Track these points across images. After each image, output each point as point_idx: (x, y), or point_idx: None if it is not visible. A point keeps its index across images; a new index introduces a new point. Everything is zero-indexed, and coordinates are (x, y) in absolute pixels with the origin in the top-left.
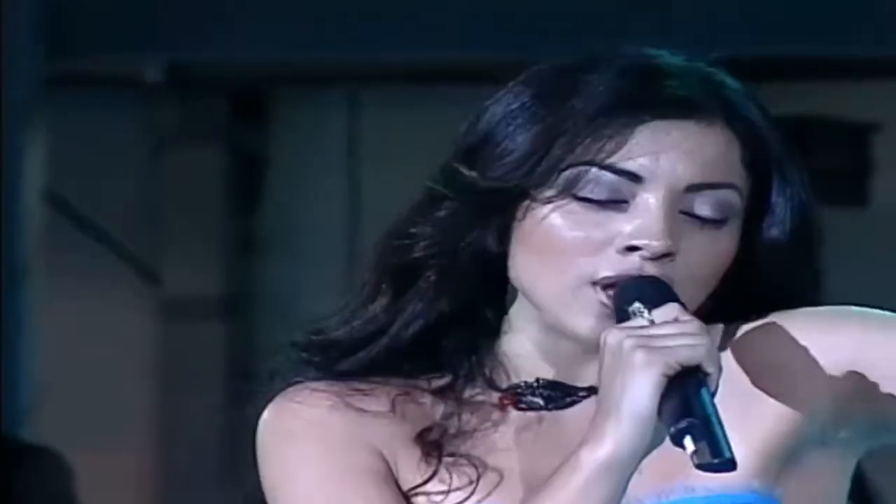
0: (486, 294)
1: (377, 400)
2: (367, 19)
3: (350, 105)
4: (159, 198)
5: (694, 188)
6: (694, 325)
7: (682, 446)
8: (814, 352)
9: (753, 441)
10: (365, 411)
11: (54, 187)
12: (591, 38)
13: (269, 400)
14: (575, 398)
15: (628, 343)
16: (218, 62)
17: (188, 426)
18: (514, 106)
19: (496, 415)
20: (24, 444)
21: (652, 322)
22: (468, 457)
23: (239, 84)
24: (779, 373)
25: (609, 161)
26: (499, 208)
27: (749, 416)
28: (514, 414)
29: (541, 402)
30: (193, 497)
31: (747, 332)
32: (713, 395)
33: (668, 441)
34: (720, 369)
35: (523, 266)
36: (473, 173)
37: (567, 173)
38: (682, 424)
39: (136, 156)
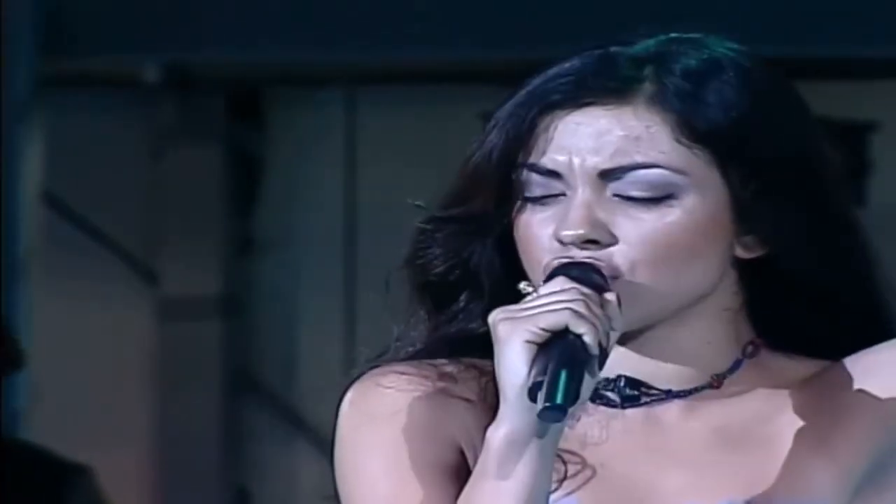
0: None
1: (466, 385)
2: (364, 19)
3: (347, 105)
4: (157, 197)
5: (605, 174)
6: (569, 293)
7: (536, 402)
8: None
9: (834, 464)
10: (452, 396)
11: (52, 187)
12: (587, 38)
13: (353, 381)
14: (650, 398)
15: (496, 319)
16: (215, 62)
17: (185, 425)
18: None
19: (582, 405)
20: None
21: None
22: (558, 450)
23: (236, 84)
24: (864, 400)
25: (532, 161)
26: (482, 224)
27: (830, 440)
28: (601, 409)
29: (617, 399)
30: (190, 495)
31: (845, 363)
32: (594, 355)
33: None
34: (601, 331)
35: (525, 269)
36: (438, 210)
37: (516, 178)
38: (537, 380)
39: (134, 155)
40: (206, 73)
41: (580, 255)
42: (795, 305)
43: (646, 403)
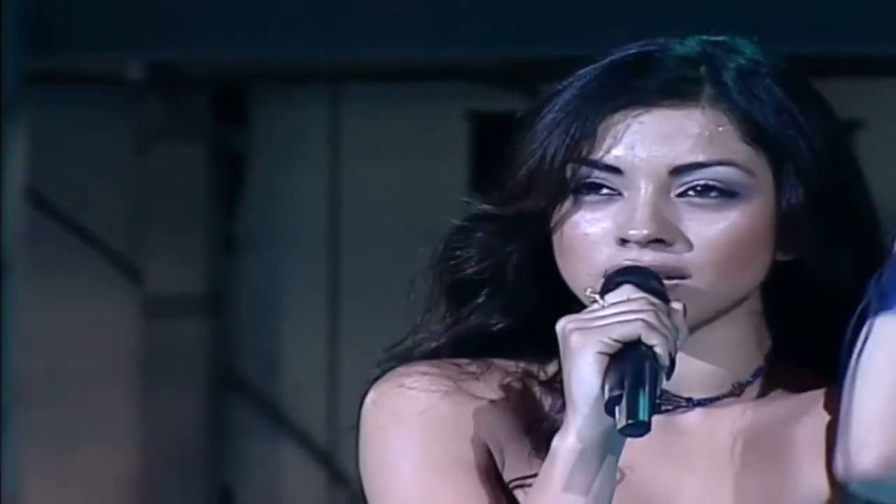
0: (573, 298)
1: (489, 385)
2: (348, 17)
3: (331, 102)
4: (141, 195)
5: (679, 170)
6: (639, 302)
7: (614, 416)
8: None
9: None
10: (476, 397)
11: (36, 185)
12: (574, 38)
13: (375, 379)
14: (672, 406)
15: (567, 328)
16: (200, 61)
17: (169, 422)
18: (522, 127)
19: None
20: None
21: (603, 306)
22: None
23: (221, 82)
24: None
25: (592, 157)
26: (522, 225)
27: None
28: None
29: None
30: (175, 492)
31: None
32: (665, 366)
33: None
34: (671, 342)
35: (560, 269)
36: (489, 206)
37: (565, 175)
38: (614, 394)
39: (118, 153)
40: (190, 72)
41: (643, 255)
42: (812, 311)
43: (667, 411)
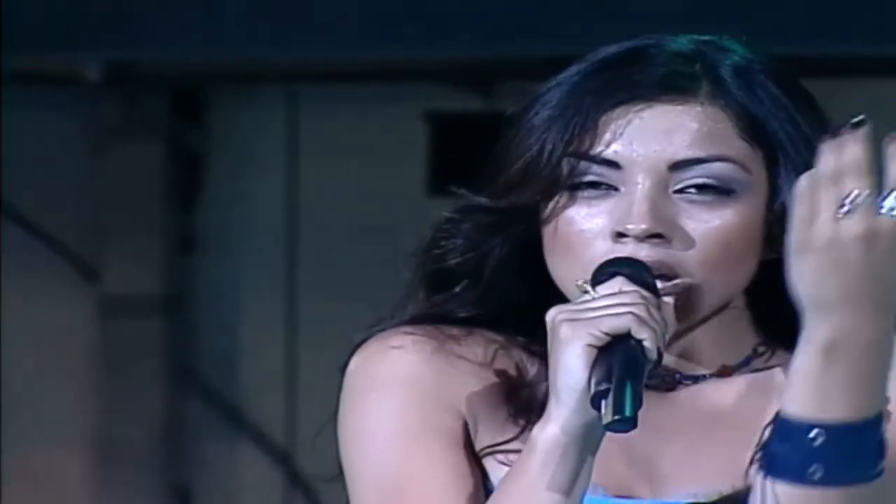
0: (556, 293)
1: (473, 349)
2: (307, 17)
3: (288, 103)
4: (99, 195)
5: (678, 165)
6: (630, 295)
7: (600, 411)
8: None
9: None
10: (459, 359)
11: None
12: (532, 39)
13: (359, 344)
14: (656, 379)
15: (557, 318)
16: (158, 61)
17: (127, 423)
18: (517, 121)
19: None
20: None
21: (594, 297)
22: None
23: (179, 83)
24: None
25: (591, 152)
26: (514, 219)
27: None
28: None
29: None
30: (132, 493)
31: None
32: (652, 360)
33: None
34: (659, 336)
35: (549, 264)
36: (483, 198)
37: (562, 170)
38: (600, 388)
39: (76, 154)
40: (148, 72)
41: (640, 251)
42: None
43: (653, 387)
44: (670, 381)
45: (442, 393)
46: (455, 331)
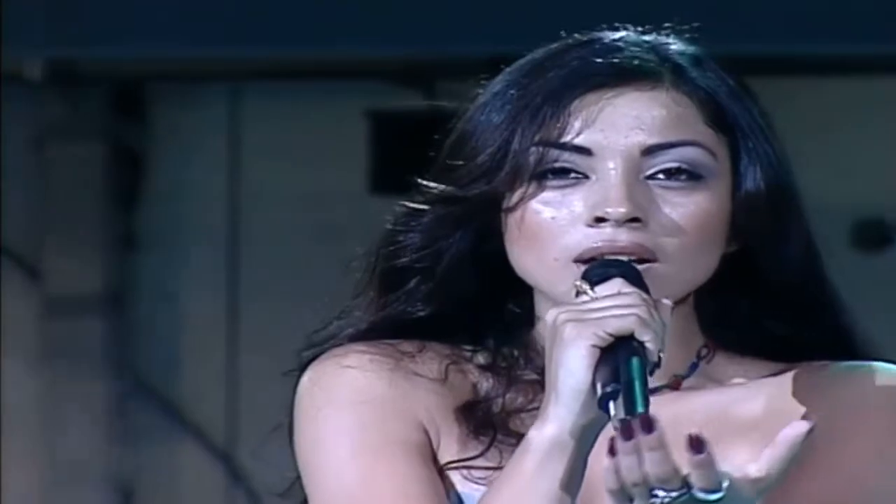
0: (506, 290)
1: (426, 366)
2: (249, 15)
3: (231, 101)
4: (40, 194)
5: (650, 150)
6: (632, 297)
7: (608, 412)
8: None
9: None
10: (416, 377)
11: None
12: (472, 38)
13: (310, 360)
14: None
15: (560, 318)
16: (100, 59)
17: (69, 423)
18: (476, 109)
19: (542, 395)
20: None
21: (594, 298)
22: (518, 436)
23: (119, 80)
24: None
25: (559, 140)
26: (479, 209)
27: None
28: None
29: None
30: (74, 492)
31: (851, 375)
32: (653, 362)
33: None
34: (660, 338)
35: (514, 255)
36: (445, 188)
37: (529, 158)
38: (607, 390)
39: (18, 152)
40: (90, 70)
41: (619, 235)
42: (750, 303)
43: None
44: None
45: (403, 407)
46: (409, 347)
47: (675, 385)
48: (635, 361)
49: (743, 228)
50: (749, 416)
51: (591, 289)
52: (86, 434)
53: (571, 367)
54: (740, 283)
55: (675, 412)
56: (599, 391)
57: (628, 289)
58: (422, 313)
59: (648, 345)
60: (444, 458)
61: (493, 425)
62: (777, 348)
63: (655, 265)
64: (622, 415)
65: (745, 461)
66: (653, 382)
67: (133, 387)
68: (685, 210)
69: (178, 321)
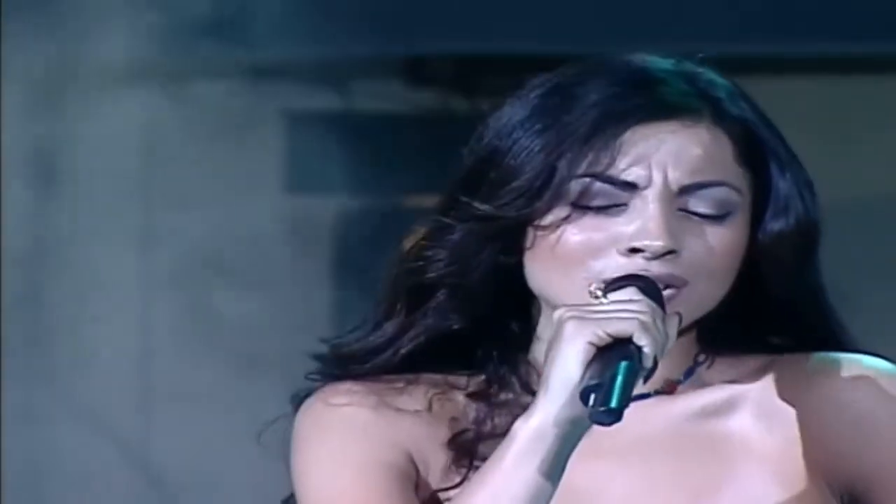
0: (510, 308)
1: (413, 398)
2: (164, 14)
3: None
4: None
5: (686, 190)
6: (639, 304)
7: (586, 404)
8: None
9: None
10: (401, 410)
11: None
12: (390, 38)
13: (304, 397)
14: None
15: (565, 315)
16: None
17: None
18: (512, 127)
19: None
20: None
21: (603, 301)
22: None
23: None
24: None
25: (607, 173)
26: (511, 228)
27: (780, 457)
28: None
29: None
30: None
31: (833, 368)
32: (647, 368)
33: None
34: (659, 346)
35: (537, 274)
36: (484, 206)
37: (569, 187)
38: (590, 383)
39: None
40: None
41: (652, 266)
42: (751, 314)
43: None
44: None
45: (390, 435)
46: (400, 382)
47: (669, 389)
48: (626, 363)
49: (762, 256)
50: (743, 421)
51: (605, 295)
52: None
53: (565, 361)
54: (743, 296)
55: (666, 416)
56: (584, 383)
57: (638, 297)
58: (458, 326)
59: (645, 349)
60: (432, 485)
61: (473, 453)
62: (772, 352)
63: (683, 290)
64: (597, 407)
65: (740, 466)
66: (648, 387)
67: (46, 383)
68: (712, 241)
69: (91, 316)
